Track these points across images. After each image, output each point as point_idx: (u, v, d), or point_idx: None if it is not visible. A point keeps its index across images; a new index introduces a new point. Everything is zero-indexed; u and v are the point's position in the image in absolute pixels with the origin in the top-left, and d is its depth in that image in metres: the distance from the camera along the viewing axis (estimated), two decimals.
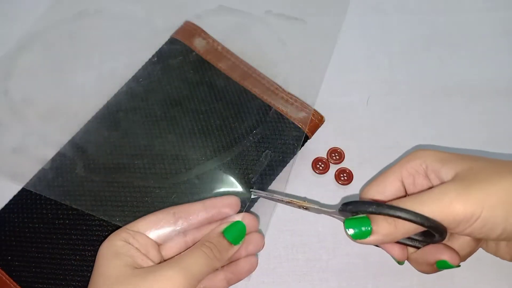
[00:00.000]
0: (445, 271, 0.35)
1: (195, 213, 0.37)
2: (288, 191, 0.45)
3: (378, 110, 0.49)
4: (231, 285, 0.38)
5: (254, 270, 0.38)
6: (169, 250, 0.37)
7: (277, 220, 0.44)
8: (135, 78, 0.48)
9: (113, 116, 0.45)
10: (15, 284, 0.39)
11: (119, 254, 0.34)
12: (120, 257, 0.33)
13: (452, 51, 0.52)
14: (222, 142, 0.43)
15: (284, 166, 0.43)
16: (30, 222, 0.41)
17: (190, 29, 0.49)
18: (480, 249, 0.37)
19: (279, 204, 0.43)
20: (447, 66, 0.51)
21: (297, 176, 0.45)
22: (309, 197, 0.45)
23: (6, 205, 0.43)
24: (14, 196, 0.43)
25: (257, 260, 0.39)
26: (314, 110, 0.45)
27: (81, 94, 0.49)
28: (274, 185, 0.43)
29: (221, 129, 0.44)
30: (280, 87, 0.46)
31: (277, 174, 0.43)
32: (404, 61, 0.51)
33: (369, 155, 0.47)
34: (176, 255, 0.36)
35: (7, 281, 0.40)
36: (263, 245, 0.39)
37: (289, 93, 0.46)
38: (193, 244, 0.36)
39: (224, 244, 0.36)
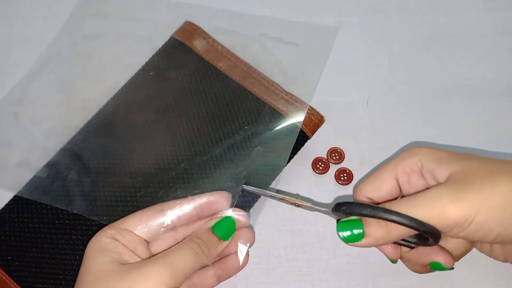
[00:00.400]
0: (444, 272, 0.35)
1: (184, 209, 0.36)
2: (289, 191, 0.45)
3: (378, 110, 0.49)
4: (221, 281, 0.38)
5: (244, 266, 0.38)
6: (158, 247, 0.37)
7: (277, 220, 0.44)
8: (134, 79, 0.48)
9: (108, 119, 0.45)
10: (15, 284, 0.39)
11: (105, 250, 0.33)
12: (106, 254, 0.33)
13: (452, 51, 0.52)
14: (216, 137, 0.43)
15: (284, 166, 0.43)
16: (30, 222, 0.41)
17: (190, 29, 0.49)
18: None
19: (279, 204, 0.42)
20: (447, 66, 0.51)
21: (297, 176, 0.45)
22: (309, 197, 0.45)
23: (6, 205, 0.43)
24: (14, 196, 0.43)
25: (248, 256, 0.38)
26: (315, 110, 0.45)
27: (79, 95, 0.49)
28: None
29: (220, 127, 0.44)
30: (280, 86, 0.46)
31: (277, 174, 0.43)
32: (404, 61, 0.51)
33: (369, 155, 0.47)
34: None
35: (7, 281, 0.40)
36: (253, 241, 0.38)
37: (288, 93, 0.46)
38: None
39: (213, 240, 0.35)
